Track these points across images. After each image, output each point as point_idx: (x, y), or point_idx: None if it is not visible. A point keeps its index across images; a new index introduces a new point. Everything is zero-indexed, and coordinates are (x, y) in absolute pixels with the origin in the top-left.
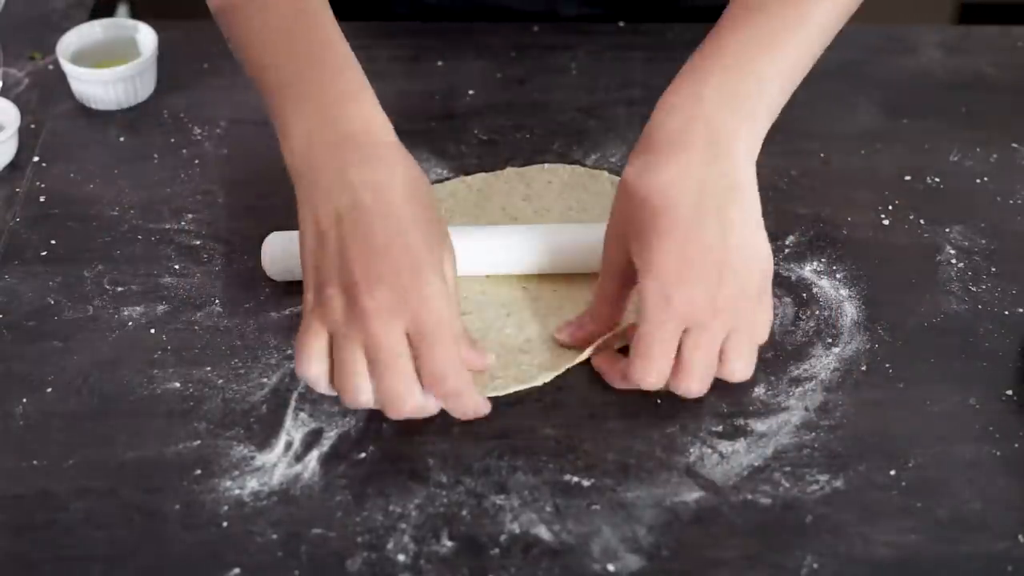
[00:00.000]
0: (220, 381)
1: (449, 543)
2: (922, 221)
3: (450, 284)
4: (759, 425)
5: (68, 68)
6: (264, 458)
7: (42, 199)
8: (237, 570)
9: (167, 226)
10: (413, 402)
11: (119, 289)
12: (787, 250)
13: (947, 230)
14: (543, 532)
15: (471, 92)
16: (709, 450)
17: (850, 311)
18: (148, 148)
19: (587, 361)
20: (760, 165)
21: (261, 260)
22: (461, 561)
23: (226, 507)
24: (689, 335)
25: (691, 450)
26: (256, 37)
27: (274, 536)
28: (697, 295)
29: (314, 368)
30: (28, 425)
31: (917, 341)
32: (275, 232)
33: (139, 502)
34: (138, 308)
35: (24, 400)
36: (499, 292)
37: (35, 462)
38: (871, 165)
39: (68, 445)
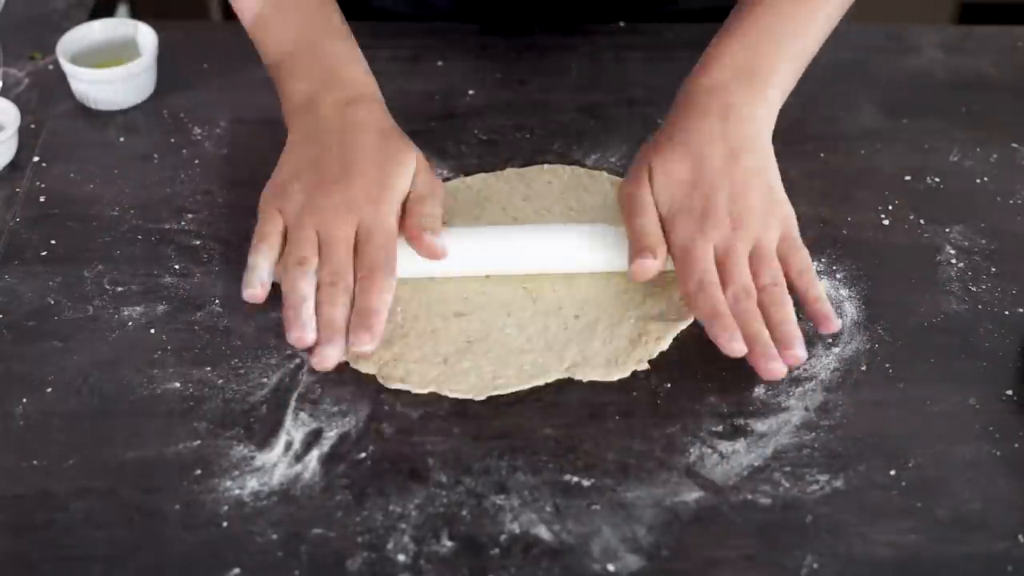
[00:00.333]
0: (220, 381)
1: (449, 543)
2: (922, 221)
3: (402, 192)
4: (759, 425)
5: (68, 68)
6: (264, 458)
7: (42, 199)
8: (237, 570)
9: (167, 226)
10: (349, 279)
11: (119, 289)
12: None
13: (947, 230)
14: (543, 532)
15: (471, 92)
16: (709, 450)
17: (850, 311)
18: (148, 148)
19: (587, 360)
20: None
21: None
22: (461, 561)
23: (226, 507)
24: (719, 251)
25: (691, 450)
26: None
27: (274, 536)
28: (715, 196)
29: (265, 254)
30: (28, 425)
31: (917, 341)
32: None
33: (139, 502)
34: (138, 308)
35: (24, 400)
36: (499, 292)
37: (35, 462)
38: (871, 165)
39: (68, 445)
